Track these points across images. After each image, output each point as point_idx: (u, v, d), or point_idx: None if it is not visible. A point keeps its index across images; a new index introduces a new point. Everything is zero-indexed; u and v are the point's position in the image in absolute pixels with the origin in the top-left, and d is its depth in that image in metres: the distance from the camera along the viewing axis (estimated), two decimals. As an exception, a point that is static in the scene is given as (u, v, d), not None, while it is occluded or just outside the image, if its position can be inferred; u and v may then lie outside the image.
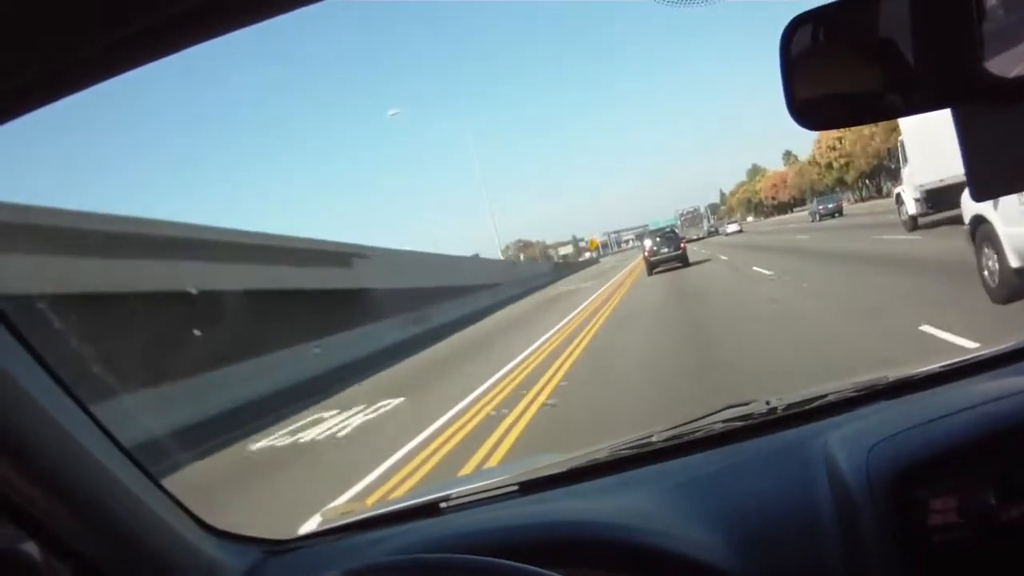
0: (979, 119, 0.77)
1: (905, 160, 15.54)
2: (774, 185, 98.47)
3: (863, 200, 55.94)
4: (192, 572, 1.12)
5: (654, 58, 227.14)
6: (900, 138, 15.96)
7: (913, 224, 15.55)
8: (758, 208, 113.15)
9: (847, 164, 57.86)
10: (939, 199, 14.20)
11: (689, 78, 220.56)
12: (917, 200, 14.99)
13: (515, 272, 42.24)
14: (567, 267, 70.37)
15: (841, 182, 61.47)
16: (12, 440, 0.88)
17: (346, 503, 4.66)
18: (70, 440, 0.95)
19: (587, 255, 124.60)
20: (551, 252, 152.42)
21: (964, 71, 0.71)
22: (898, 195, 16.69)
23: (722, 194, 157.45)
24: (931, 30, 0.72)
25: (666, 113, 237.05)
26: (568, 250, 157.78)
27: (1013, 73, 0.70)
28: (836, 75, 0.79)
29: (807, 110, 0.78)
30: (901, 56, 0.73)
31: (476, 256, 43.91)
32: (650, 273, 25.32)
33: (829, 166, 61.41)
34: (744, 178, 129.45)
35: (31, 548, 0.99)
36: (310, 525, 1.47)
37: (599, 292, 22.24)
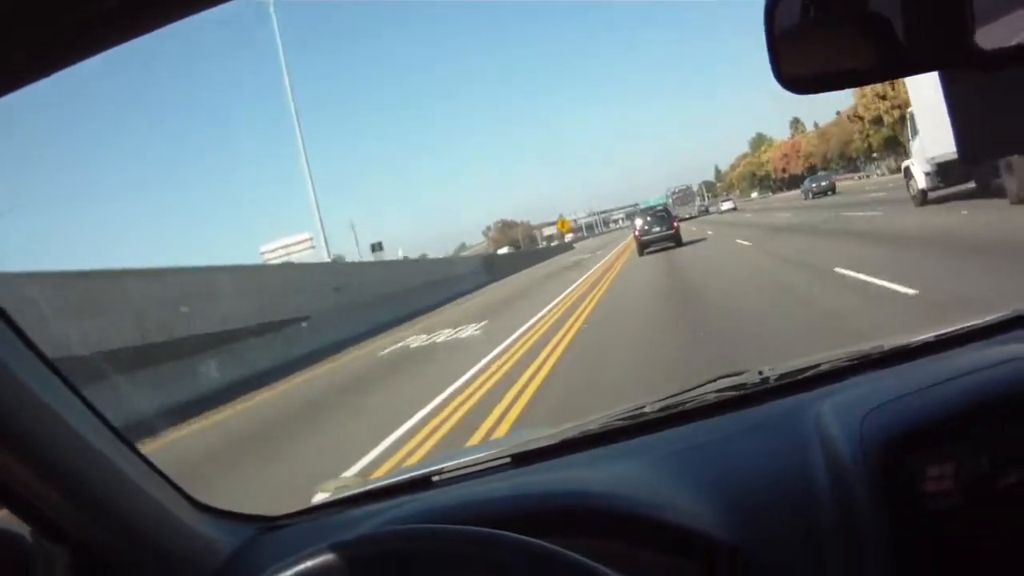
0: (966, 84, 0.83)
1: (915, 132, 15.69)
2: (784, 155, 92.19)
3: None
4: (185, 550, 1.17)
5: (640, 31, 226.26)
6: (909, 109, 16.11)
7: (923, 199, 15.76)
8: (764, 183, 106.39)
9: (903, 118, 47.19)
10: (951, 173, 14.44)
11: (678, 49, 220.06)
12: (927, 174, 15.18)
13: (365, 287, 22.02)
14: (515, 261, 49.66)
15: (893, 142, 50.90)
16: (1, 421, 0.92)
17: (341, 479, 4.68)
18: (60, 421, 1.00)
19: (569, 237, 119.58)
20: (535, 233, 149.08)
21: (953, 43, 0.74)
22: (907, 169, 16.88)
23: (717, 171, 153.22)
24: (920, 2, 0.75)
25: (656, 88, 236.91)
26: (553, 230, 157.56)
27: (1002, 44, 0.75)
28: (823, 42, 0.82)
29: (792, 74, 0.81)
30: (889, 23, 0.76)
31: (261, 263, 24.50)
32: (641, 253, 25.35)
33: (877, 121, 51.68)
34: (747, 150, 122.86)
35: (24, 530, 1.03)
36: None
37: (508, 345, 10.40)
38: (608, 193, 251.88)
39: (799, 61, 0.81)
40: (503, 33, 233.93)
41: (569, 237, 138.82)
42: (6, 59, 0.70)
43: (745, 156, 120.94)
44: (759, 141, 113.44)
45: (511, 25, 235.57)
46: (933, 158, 14.59)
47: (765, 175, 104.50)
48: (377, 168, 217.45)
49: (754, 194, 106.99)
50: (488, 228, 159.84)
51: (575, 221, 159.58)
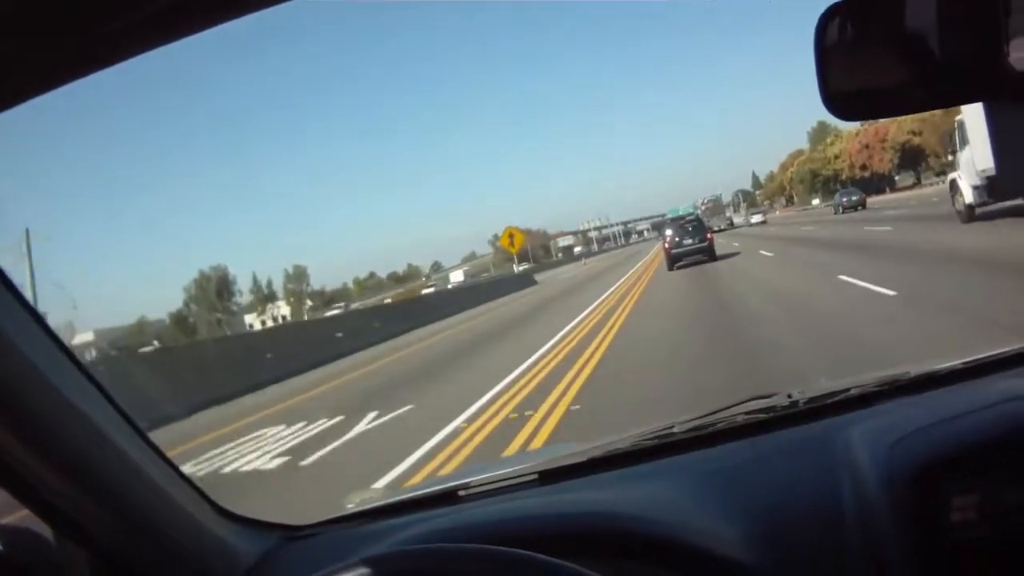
0: (1008, 114, 0.95)
1: (964, 142, 15.78)
2: (863, 147, 74.53)
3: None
4: (207, 557, 1.26)
5: (666, 31, 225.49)
6: (959, 118, 16.16)
7: (969, 215, 15.87)
8: (829, 185, 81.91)
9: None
10: (1000, 187, 14.44)
11: (704, 48, 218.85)
12: (976, 188, 15.31)
13: None
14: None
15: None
16: (25, 418, 0.99)
17: (368, 490, 4.96)
18: (87, 424, 1.07)
19: (578, 250, 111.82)
20: (551, 244, 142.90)
21: (991, 66, 0.82)
22: (952, 182, 16.96)
23: (756, 178, 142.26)
24: (958, 24, 0.83)
25: (686, 92, 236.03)
26: (569, 240, 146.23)
27: None
28: (868, 66, 0.91)
29: (840, 99, 0.91)
30: (930, 49, 0.85)
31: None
32: (671, 268, 24.87)
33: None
34: (801, 146, 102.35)
35: (45, 531, 1.12)
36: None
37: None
38: (634, 202, 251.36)
39: (844, 78, 0.91)
40: (522, 29, 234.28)
41: (578, 250, 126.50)
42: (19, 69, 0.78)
43: (799, 154, 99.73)
44: (821, 132, 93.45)
45: (530, 21, 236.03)
46: (983, 171, 14.70)
47: (832, 175, 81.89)
48: (382, 170, 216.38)
49: (815, 201, 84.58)
50: (496, 236, 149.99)
51: (598, 231, 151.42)
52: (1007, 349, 1.43)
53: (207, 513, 1.29)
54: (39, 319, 1.04)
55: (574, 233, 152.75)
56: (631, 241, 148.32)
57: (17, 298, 1.02)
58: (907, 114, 0.98)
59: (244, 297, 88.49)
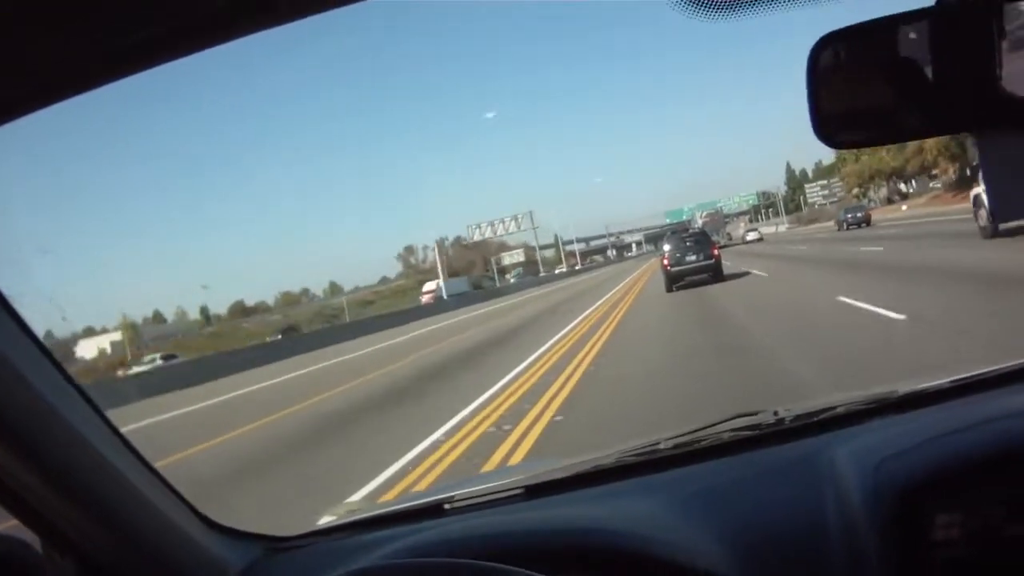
0: (1000, 142, 0.97)
1: None
2: None
3: None
4: (192, 567, 1.33)
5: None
6: None
7: (993, 231, 16.13)
8: None
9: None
10: (999, 215, 14.27)
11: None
12: None
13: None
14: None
15: None
16: (10, 427, 1.06)
17: (349, 502, 5.15)
18: (74, 435, 1.14)
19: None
20: (496, 259, 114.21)
21: (984, 93, 0.88)
22: (976, 197, 17.26)
23: (792, 173, 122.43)
24: (951, 52, 0.89)
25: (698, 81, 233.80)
26: (517, 257, 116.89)
27: None
28: (861, 95, 0.98)
29: (831, 127, 0.98)
30: (923, 77, 0.92)
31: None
32: (669, 289, 23.14)
33: None
34: None
35: (32, 539, 1.19)
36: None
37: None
38: (620, 211, 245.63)
39: (835, 106, 0.98)
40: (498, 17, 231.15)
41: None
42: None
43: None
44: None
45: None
46: None
47: None
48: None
49: None
50: (408, 249, 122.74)
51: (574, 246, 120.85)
52: (992, 368, 1.52)
53: (193, 523, 1.37)
54: (26, 328, 1.11)
55: (546, 248, 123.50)
56: (618, 258, 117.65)
57: (5, 308, 1.08)
58: (901, 142, 1.09)
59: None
